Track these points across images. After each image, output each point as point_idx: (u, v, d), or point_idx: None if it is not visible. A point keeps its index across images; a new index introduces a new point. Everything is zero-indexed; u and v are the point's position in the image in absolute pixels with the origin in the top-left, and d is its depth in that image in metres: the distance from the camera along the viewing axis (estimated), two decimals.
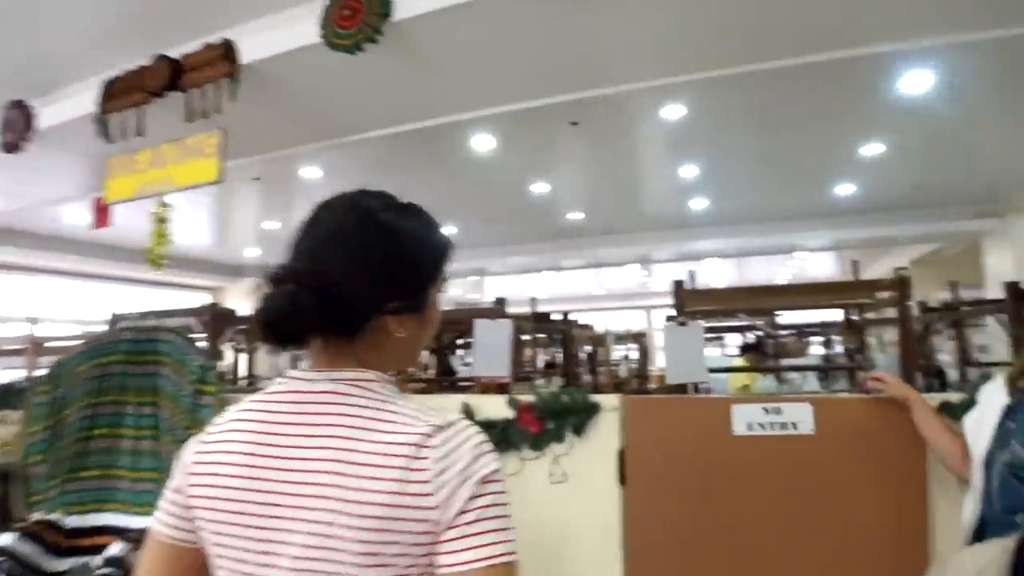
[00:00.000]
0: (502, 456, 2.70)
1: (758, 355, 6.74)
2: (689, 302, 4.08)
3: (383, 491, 0.80)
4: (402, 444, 0.83)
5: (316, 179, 7.42)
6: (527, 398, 2.67)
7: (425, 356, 9.93)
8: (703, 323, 4.19)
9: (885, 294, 4.54)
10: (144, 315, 6.45)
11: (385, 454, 0.82)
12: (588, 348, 10.32)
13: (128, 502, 3.36)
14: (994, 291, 8.71)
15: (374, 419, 0.86)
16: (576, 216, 9.85)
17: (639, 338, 12.00)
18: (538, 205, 8.99)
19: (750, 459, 2.32)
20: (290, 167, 7.03)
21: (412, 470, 0.82)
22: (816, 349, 9.28)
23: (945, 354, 7.20)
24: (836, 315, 9.00)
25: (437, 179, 7.66)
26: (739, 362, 6.47)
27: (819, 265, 14.77)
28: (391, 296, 0.92)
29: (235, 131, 5.06)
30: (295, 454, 0.85)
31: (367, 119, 4.74)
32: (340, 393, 0.89)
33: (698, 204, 9.12)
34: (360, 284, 0.89)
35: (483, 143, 6.39)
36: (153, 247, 3.90)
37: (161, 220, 3.91)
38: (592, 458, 2.55)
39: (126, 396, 3.52)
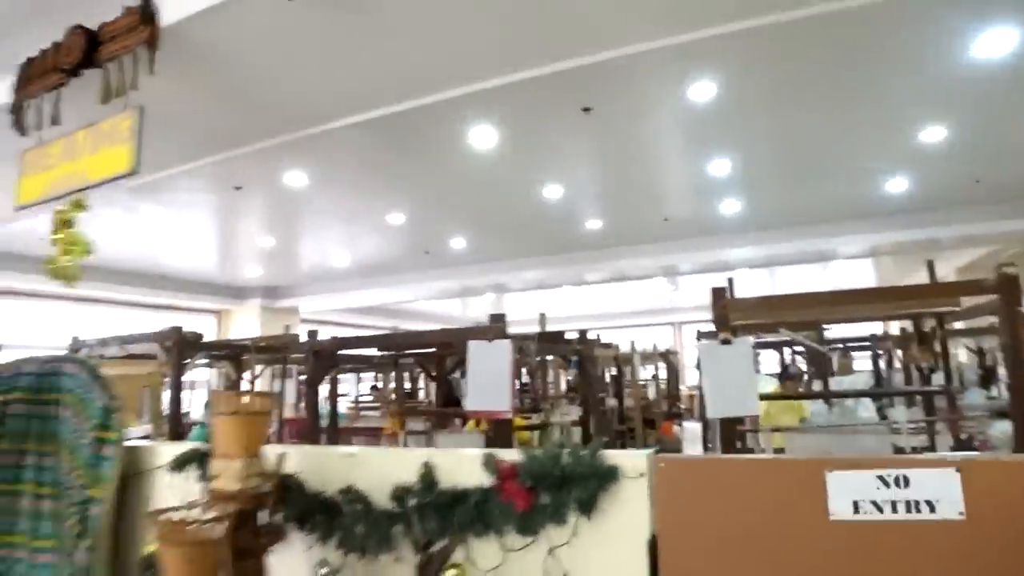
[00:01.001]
0: (477, 542, 1.87)
1: (788, 383, 5.89)
2: (734, 314, 3.24)
3: None
4: None
5: (302, 187, 6.67)
6: (511, 457, 1.83)
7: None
8: (751, 340, 3.35)
9: (967, 300, 3.68)
10: (105, 341, 5.79)
11: None
12: (613, 369, 9.49)
13: None
14: None
15: None
16: (594, 224, 9.00)
17: (668, 356, 11.12)
18: (552, 212, 8.16)
19: (857, 558, 1.45)
20: (270, 173, 6.29)
21: None
22: (859, 365, 8.32)
23: None
24: (873, 329, 8.10)
25: (436, 183, 6.88)
26: (769, 387, 5.55)
27: (857, 275, 13.69)
28: None
29: (181, 124, 4.35)
30: None
31: (331, 102, 3.97)
32: None
33: (729, 207, 8.22)
34: None
35: (484, 137, 5.58)
36: (56, 257, 3.13)
37: (64, 223, 3.15)
38: (608, 549, 1.70)
39: (27, 444, 2.81)
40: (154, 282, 11.70)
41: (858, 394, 4.56)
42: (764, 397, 4.38)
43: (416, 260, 10.95)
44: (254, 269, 11.54)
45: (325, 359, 4.43)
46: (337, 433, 5.89)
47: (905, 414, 5.41)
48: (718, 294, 3.29)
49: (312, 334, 4.49)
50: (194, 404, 7.01)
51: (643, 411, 9.59)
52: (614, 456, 1.72)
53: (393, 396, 7.60)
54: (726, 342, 3.09)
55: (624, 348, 9.80)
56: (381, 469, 2.05)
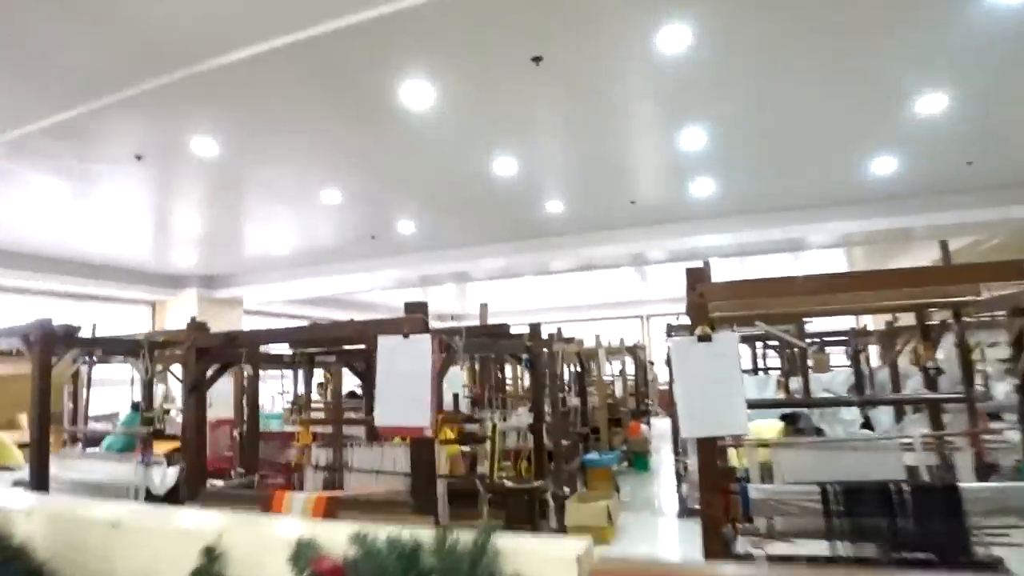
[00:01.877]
0: None
1: (793, 432, 5.24)
2: (713, 303, 2.49)
3: None
4: None
5: (214, 156, 5.74)
6: (341, 546, 1.03)
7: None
8: (737, 335, 2.59)
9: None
10: None
11: None
12: (576, 366, 8.79)
13: None
14: None
15: None
16: (555, 207, 8.21)
17: (635, 351, 10.47)
18: (507, 191, 7.35)
19: None
20: (173, 138, 5.36)
21: None
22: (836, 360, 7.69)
23: None
24: (847, 322, 7.43)
25: (371, 153, 6.01)
26: (772, 431, 4.81)
27: (828, 266, 13.09)
28: None
29: (35, 63, 3.47)
30: None
31: (217, 31, 3.10)
32: None
33: (702, 188, 7.50)
34: None
35: (417, 95, 4.73)
36: None
37: None
38: None
39: None
40: (78, 270, 10.63)
41: (881, 402, 3.87)
42: (753, 405, 3.63)
43: (363, 246, 10.05)
44: (187, 255, 10.53)
45: (213, 358, 3.59)
46: (257, 438, 5.06)
47: (892, 421, 4.74)
48: (694, 276, 2.54)
49: (197, 326, 3.65)
50: (118, 406, 6.07)
51: (609, 410, 8.90)
52: (519, 554, 0.94)
53: (327, 399, 6.76)
54: (704, 338, 2.36)
55: (589, 343, 9.09)
56: (149, 551, 1.24)
